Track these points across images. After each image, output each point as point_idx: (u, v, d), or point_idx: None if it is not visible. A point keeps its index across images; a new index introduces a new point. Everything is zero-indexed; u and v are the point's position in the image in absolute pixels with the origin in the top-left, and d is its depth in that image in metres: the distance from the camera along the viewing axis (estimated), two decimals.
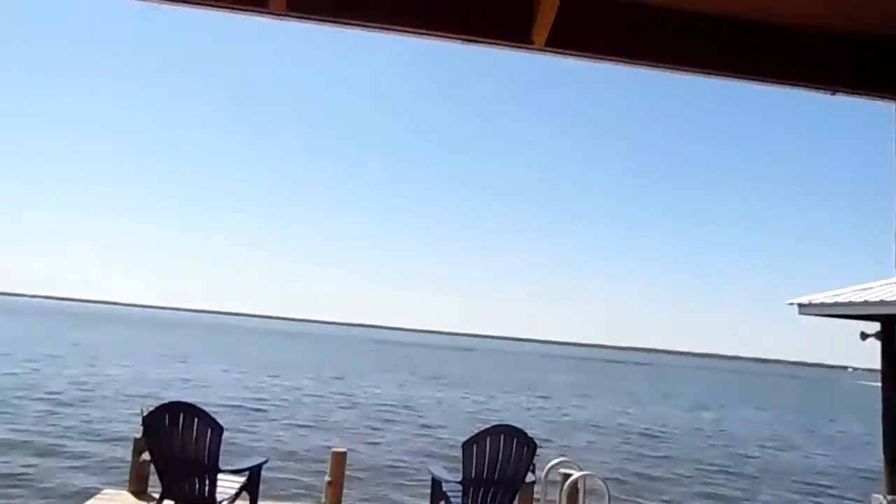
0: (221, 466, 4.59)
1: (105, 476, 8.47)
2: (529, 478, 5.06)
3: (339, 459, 5.85)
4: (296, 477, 9.68)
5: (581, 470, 5.44)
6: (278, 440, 13.01)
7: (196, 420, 4.39)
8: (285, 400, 19.72)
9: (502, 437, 4.73)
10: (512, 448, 4.73)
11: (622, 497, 9.89)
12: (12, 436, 11.01)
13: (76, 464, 9.55)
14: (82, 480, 8.32)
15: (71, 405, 15.08)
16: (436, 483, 5.23)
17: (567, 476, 5.37)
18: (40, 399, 15.51)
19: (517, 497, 5.11)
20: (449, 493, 5.10)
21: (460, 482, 4.82)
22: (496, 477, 4.76)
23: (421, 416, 18.56)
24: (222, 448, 4.49)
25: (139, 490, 5.50)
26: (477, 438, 4.73)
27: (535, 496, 5.80)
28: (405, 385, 29.52)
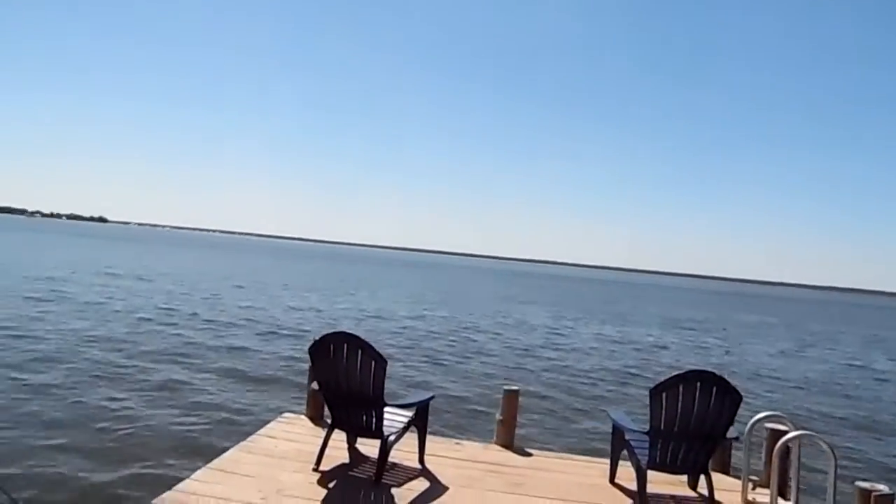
0: (388, 400, 4.43)
1: None
2: (731, 433, 4.33)
3: (512, 398, 5.50)
4: (466, 414, 9.63)
5: (795, 428, 4.58)
6: (449, 373, 13.14)
7: (359, 352, 4.22)
8: (458, 333, 20.03)
9: (699, 384, 4.03)
10: (710, 398, 4.03)
11: (850, 464, 8.52)
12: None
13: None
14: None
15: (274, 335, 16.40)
16: (617, 431, 4.69)
17: (777, 434, 4.55)
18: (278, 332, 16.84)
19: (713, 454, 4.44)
20: (633, 444, 4.55)
21: (646, 433, 4.23)
22: (690, 430, 4.10)
23: (591, 354, 17.87)
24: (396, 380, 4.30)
25: (315, 416, 5.59)
26: (667, 385, 4.08)
27: (736, 454, 5.05)
28: (565, 317, 28.88)
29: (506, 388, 5.56)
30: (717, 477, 4.87)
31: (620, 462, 4.86)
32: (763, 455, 4.77)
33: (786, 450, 4.34)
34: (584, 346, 19.79)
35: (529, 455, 5.29)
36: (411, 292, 38.27)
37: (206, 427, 7.77)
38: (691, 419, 4.07)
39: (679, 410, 4.07)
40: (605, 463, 4.99)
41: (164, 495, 3.85)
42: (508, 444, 5.41)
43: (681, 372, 4.11)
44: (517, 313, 29.48)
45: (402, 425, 4.57)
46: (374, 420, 4.36)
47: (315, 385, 5.08)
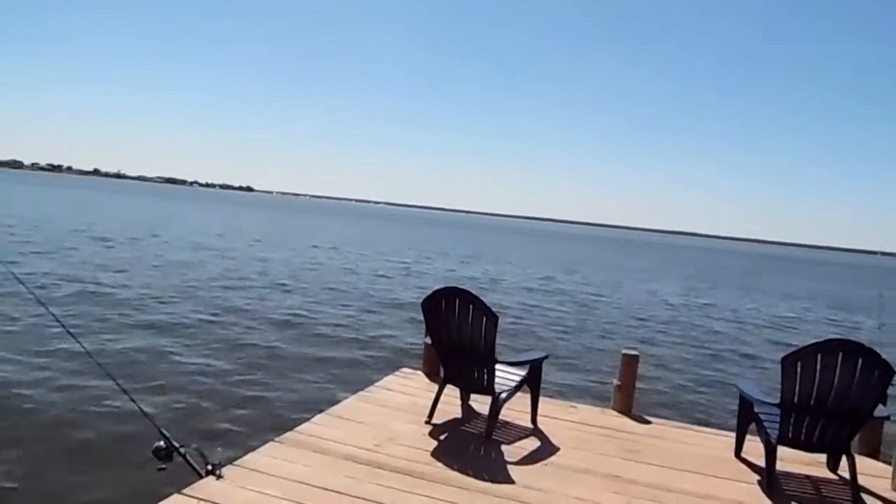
0: (501, 358, 4.40)
1: None
2: (880, 411, 3.89)
3: (631, 362, 5.27)
4: (582, 380, 9.44)
5: None
6: (568, 339, 12.91)
7: (470, 307, 4.19)
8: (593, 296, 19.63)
9: (841, 355, 3.63)
10: (855, 370, 3.61)
11: None
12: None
13: None
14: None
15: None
16: (745, 402, 4.36)
17: None
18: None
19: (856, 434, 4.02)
20: (762, 417, 4.21)
21: (777, 405, 3.90)
22: (828, 405, 3.72)
23: (721, 328, 16.82)
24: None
25: (431, 372, 5.67)
26: (802, 354, 3.71)
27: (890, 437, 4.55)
28: (695, 289, 27.32)
29: (625, 351, 5.34)
30: (862, 460, 4.41)
31: (748, 437, 4.54)
32: None
33: None
34: (715, 318, 18.74)
35: (648, 423, 5.07)
36: (533, 259, 38.06)
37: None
38: (830, 393, 3.68)
39: (816, 383, 3.69)
40: (731, 436, 4.67)
41: (286, 434, 4.08)
42: (626, 410, 5.21)
43: (819, 340, 3.72)
44: (639, 283, 28.45)
45: (514, 384, 4.53)
46: (485, 376, 4.35)
47: (428, 340, 5.14)
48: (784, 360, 3.75)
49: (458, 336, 4.31)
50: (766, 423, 4.12)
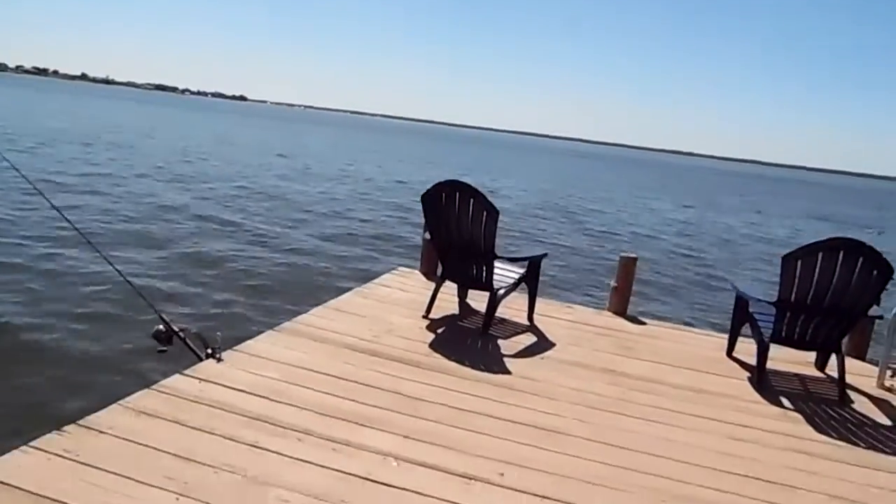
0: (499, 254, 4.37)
1: None
2: (874, 311, 3.92)
3: (628, 265, 5.28)
4: (578, 283, 9.59)
5: None
6: (566, 244, 12.98)
7: (471, 201, 4.13)
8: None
9: (842, 253, 3.62)
10: (854, 269, 3.61)
11: None
12: None
13: None
14: None
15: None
16: (741, 301, 4.39)
17: None
18: None
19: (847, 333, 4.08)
20: (757, 316, 4.25)
21: (774, 303, 3.92)
22: (825, 303, 3.74)
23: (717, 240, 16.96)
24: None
25: (429, 271, 5.68)
26: (804, 252, 3.70)
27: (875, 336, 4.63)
28: (690, 204, 27.40)
29: (622, 254, 5.34)
30: (849, 361, 4.50)
31: (741, 338, 4.60)
32: None
33: None
34: (713, 231, 18.87)
35: (643, 324, 5.13)
36: (535, 174, 37.84)
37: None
38: (828, 292, 3.70)
39: (814, 281, 3.70)
40: (724, 337, 4.74)
41: (284, 324, 4.11)
42: (621, 311, 5.26)
43: (820, 239, 3.70)
44: (637, 196, 28.43)
45: (512, 280, 4.53)
46: (484, 272, 4.34)
47: (427, 236, 5.11)
48: (784, 258, 3.74)
49: (457, 231, 4.27)
50: (759, 322, 4.17)
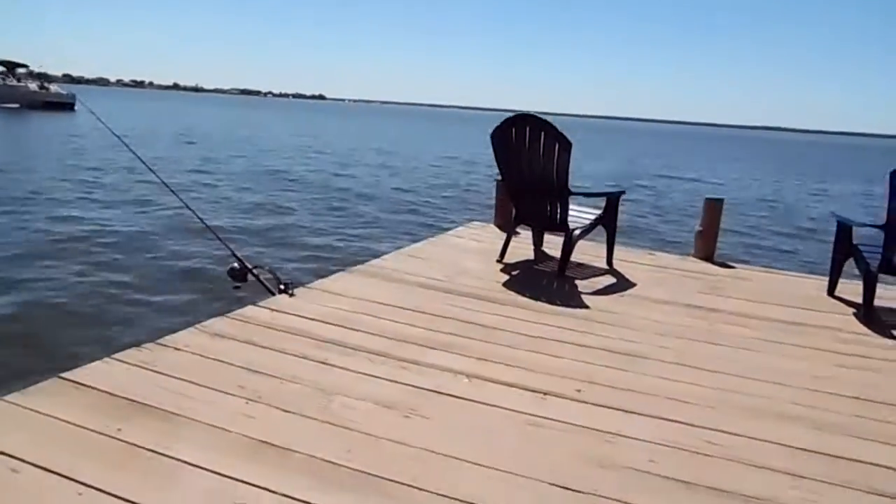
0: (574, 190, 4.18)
1: None
2: None
3: (714, 207, 4.97)
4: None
5: None
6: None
7: (542, 134, 3.96)
8: None
9: None
10: None
11: None
12: None
13: None
14: None
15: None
16: (843, 230, 4.02)
17: None
18: None
19: None
20: (862, 248, 3.89)
21: (881, 227, 3.56)
22: None
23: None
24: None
25: (503, 224, 5.54)
26: None
27: None
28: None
29: (708, 196, 5.03)
30: None
31: (845, 281, 4.21)
32: None
33: None
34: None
35: (732, 268, 4.81)
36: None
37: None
38: None
39: None
40: (825, 279, 4.35)
41: (357, 267, 4.10)
42: (709, 256, 4.95)
43: None
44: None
45: (589, 221, 4.35)
46: (559, 211, 4.17)
47: (500, 178, 4.96)
48: (892, 173, 3.38)
49: (528, 167, 4.12)
50: (865, 253, 3.81)
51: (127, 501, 1.65)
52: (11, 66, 40.23)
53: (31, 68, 41.86)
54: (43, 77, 42.72)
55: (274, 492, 1.72)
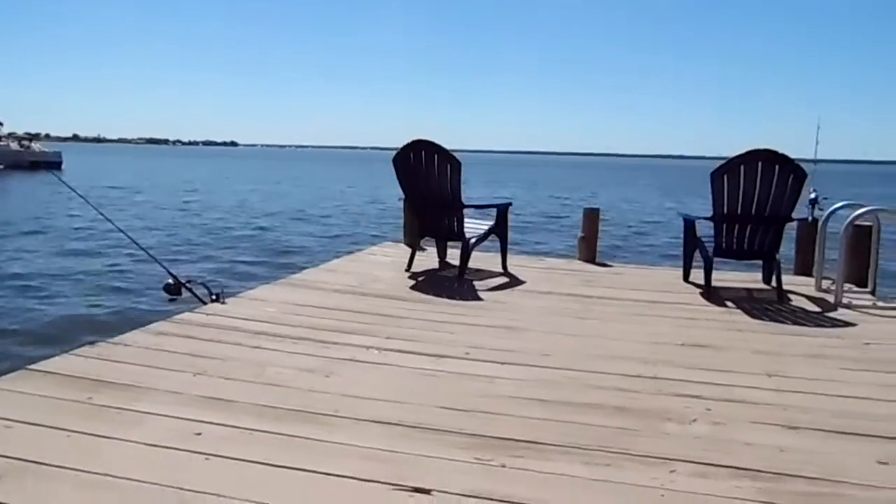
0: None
1: None
2: (801, 213, 4.40)
3: (592, 216, 5.77)
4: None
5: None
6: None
7: (436, 156, 4.63)
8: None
9: (760, 164, 4.10)
10: (773, 177, 4.09)
11: None
12: None
13: None
14: None
15: None
16: (687, 224, 4.85)
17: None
18: None
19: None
20: (703, 240, 4.73)
21: (710, 218, 4.40)
22: (753, 211, 4.21)
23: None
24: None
25: (413, 244, 6.14)
26: (728, 167, 4.18)
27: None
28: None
29: (586, 207, 5.83)
30: (795, 278, 4.99)
31: (697, 268, 5.03)
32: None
33: (859, 232, 4.38)
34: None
35: (609, 266, 5.60)
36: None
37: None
38: (753, 200, 4.17)
39: (741, 192, 4.18)
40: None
41: (279, 280, 4.60)
42: (590, 259, 5.72)
43: (740, 153, 4.18)
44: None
45: (483, 230, 5.01)
46: (455, 222, 4.82)
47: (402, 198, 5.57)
48: (712, 174, 4.23)
49: (426, 185, 4.76)
50: (704, 241, 4.65)
51: (107, 438, 2.10)
52: None
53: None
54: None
55: (224, 425, 2.22)
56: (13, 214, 16.06)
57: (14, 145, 38.41)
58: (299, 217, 18.08)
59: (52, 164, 36.52)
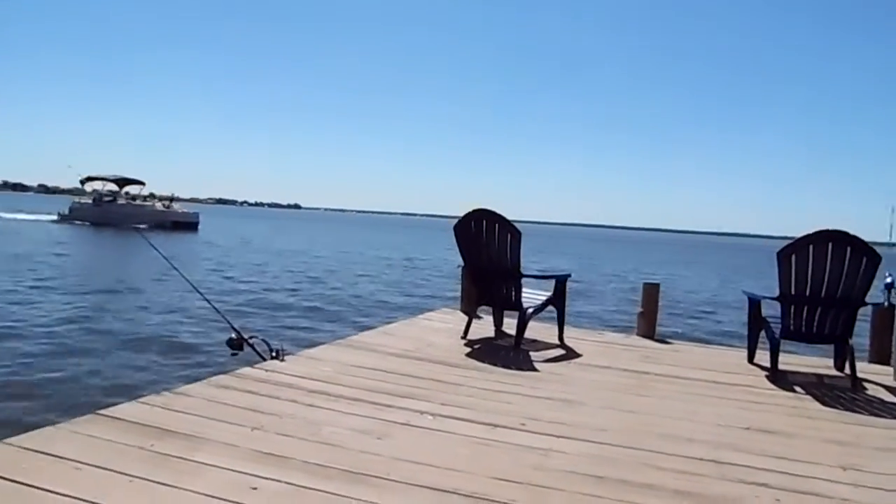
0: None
1: None
2: (877, 298, 4.22)
3: (652, 290, 5.68)
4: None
5: None
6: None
7: (496, 225, 4.69)
8: None
9: (830, 244, 3.99)
10: (844, 259, 3.97)
11: None
12: None
13: None
14: None
15: None
16: (753, 304, 4.71)
17: None
18: None
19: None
20: (769, 320, 4.58)
21: (776, 298, 4.27)
22: (824, 293, 4.08)
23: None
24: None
25: (469, 310, 6.16)
26: (795, 246, 4.08)
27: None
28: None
29: (645, 281, 5.76)
30: (871, 366, 4.75)
31: (763, 349, 4.87)
32: None
33: None
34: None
35: (669, 343, 5.46)
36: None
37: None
38: (824, 281, 4.04)
39: (810, 273, 4.06)
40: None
41: (338, 341, 4.67)
42: (650, 334, 5.60)
43: (809, 233, 4.08)
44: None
45: (540, 301, 5.00)
46: (513, 292, 4.83)
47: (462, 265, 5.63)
48: (779, 254, 4.13)
49: (486, 253, 4.82)
50: (770, 323, 4.50)
51: (167, 486, 2.15)
52: (123, 183, 39.94)
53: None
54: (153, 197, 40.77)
55: (279, 481, 2.25)
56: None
57: (159, 205, 39.47)
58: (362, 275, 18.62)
59: (190, 225, 38.02)
